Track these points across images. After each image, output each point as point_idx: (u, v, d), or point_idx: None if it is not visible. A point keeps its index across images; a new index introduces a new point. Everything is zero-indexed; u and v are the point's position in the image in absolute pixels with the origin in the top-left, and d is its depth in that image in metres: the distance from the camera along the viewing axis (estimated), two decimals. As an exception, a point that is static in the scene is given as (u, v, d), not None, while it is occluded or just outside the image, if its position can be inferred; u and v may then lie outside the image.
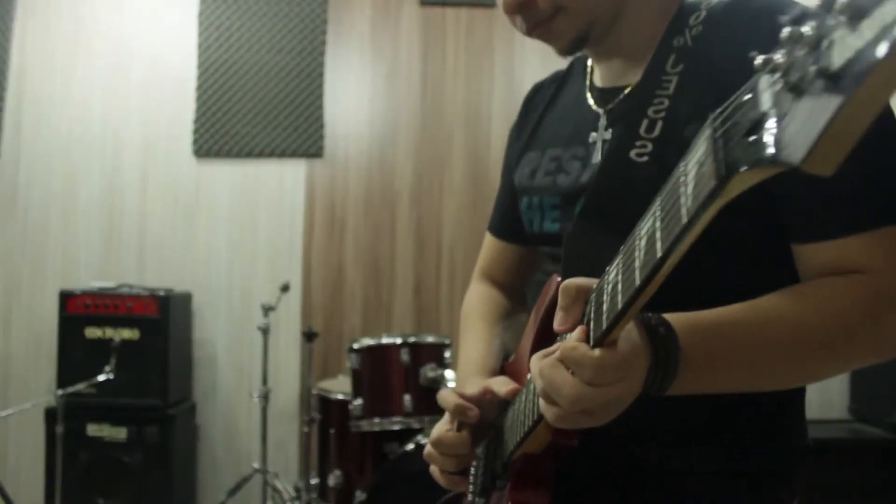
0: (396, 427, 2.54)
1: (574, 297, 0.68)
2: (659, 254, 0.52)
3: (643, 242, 0.55)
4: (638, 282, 0.55)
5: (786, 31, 0.39)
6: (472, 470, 1.04)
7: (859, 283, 0.74)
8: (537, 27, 0.89)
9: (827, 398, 3.32)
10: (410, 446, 2.28)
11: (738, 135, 0.43)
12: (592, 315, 0.65)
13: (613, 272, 0.61)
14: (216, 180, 3.59)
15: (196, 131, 3.58)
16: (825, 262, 0.76)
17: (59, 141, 3.57)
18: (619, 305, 0.58)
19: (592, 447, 0.81)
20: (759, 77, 0.43)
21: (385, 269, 3.61)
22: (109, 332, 3.12)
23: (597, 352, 0.63)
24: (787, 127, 0.39)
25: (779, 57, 0.40)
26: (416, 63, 3.67)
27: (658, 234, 0.52)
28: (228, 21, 3.59)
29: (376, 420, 2.55)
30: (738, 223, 0.75)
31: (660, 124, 0.83)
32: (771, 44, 0.79)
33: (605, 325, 0.61)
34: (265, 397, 3.08)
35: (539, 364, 0.69)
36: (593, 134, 0.93)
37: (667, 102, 0.83)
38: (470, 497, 1.02)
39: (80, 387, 2.77)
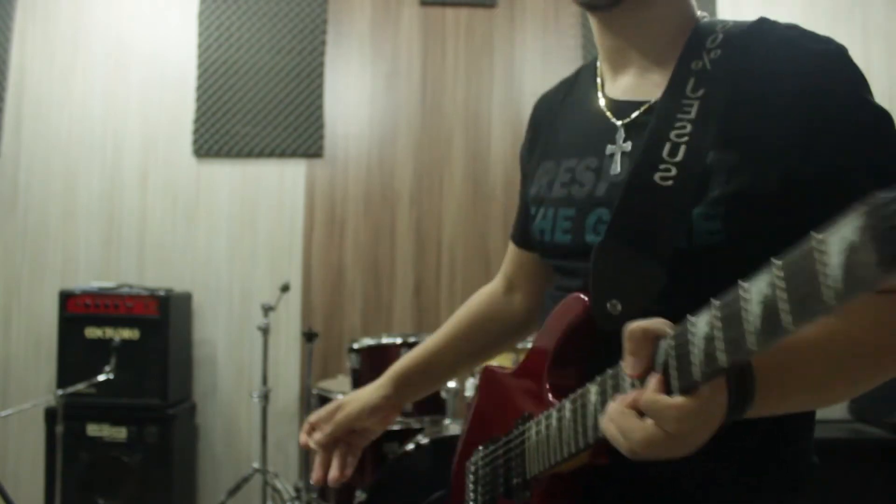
0: (396, 427, 2.54)
1: (642, 340, 0.68)
2: (787, 325, 0.52)
3: (758, 308, 0.55)
4: (754, 346, 0.56)
5: None
6: (471, 478, 1.04)
7: None
8: None
9: (827, 398, 3.32)
10: (410, 446, 2.28)
11: None
12: (675, 364, 0.64)
13: (705, 326, 0.61)
14: (216, 180, 3.59)
15: (196, 131, 3.58)
16: None
17: (59, 141, 3.57)
18: (723, 363, 0.59)
19: (615, 465, 0.81)
20: None
21: (385, 269, 3.61)
22: (109, 332, 3.12)
23: (679, 400, 0.64)
24: None
25: None
26: (416, 63, 3.67)
27: (783, 305, 0.52)
28: (228, 21, 3.59)
29: (376, 420, 2.55)
30: (768, 242, 0.76)
31: (683, 149, 0.83)
32: (794, 78, 0.80)
33: (698, 377, 0.61)
34: (265, 397, 3.08)
35: (609, 411, 0.70)
36: (610, 146, 0.93)
37: (689, 127, 0.84)
38: None
39: (79, 387, 2.77)
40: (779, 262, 0.54)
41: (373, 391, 1.19)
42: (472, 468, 1.04)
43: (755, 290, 0.56)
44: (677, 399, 0.64)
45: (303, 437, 1.17)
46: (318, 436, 1.15)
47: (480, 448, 1.03)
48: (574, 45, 3.63)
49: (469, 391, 2.56)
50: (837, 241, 0.48)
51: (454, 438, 1.04)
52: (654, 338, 0.68)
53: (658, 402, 0.65)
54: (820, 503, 0.89)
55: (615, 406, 0.69)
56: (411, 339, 2.61)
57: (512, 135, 3.55)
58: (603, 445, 0.74)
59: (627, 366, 0.69)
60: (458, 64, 3.67)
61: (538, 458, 0.85)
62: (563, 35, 3.64)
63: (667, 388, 0.65)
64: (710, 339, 0.60)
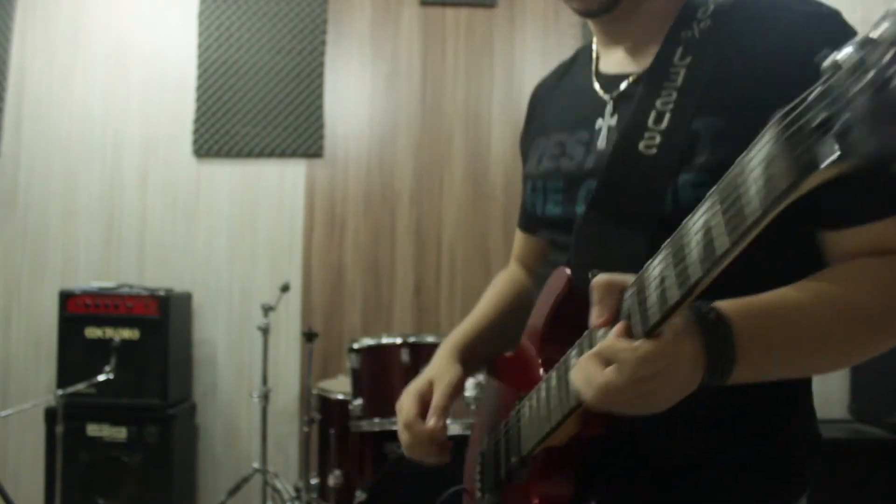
0: (396, 427, 2.54)
1: (607, 291, 0.69)
2: (724, 248, 0.53)
3: (699, 237, 0.56)
4: (698, 274, 0.56)
5: (857, 37, 0.40)
6: (478, 468, 1.04)
7: None
8: None
9: (827, 398, 3.32)
10: (410, 446, 2.28)
11: (811, 133, 0.43)
12: (636, 309, 0.65)
13: (659, 266, 0.62)
14: (216, 180, 3.59)
15: (196, 131, 3.58)
16: (860, 246, 0.76)
17: (59, 141, 3.57)
18: (674, 298, 0.59)
19: (611, 439, 0.81)
20: (831, 76, 0.43)
21: (385, 269, 3.61)
22: (109, 332, 3.11)
23: (637, 343, 0.64)
24: (867, 126, 0.40)
25: (849, 56, 0.41)
26: (416, 63, 3.67)
27: (720, 229, 0.53)
28: (228, 21, 3.59)
29: (376, 420, 2.55)
30: None
31: (668, 116, 0.83)
32: (784, 40, 0.79)
33: (656, 318, 0.62)
34: (265, 397, 3.08)
35: (577, 362, 0.70)
36: (599, 120, 0.93)
37: (675, 95, 0.84)
38: (478, 494, 1.02)
39: (80, 387, 2.77)
40: (715, 188, 0.55)
41: (447, 369, 1.07)
42: (480, 458, 1.04)
43: (697, 221, 0.57)
44: (636, 342, 0.64)
45: (431, 423, 1.02)
46: (435, 401, 1.02)
47: (486, 437, 1.03)
48: (574, 45, 3.62)
49: (469, 391, 2.55)
50: (758, 155, 0.49)
51: (454, 439, 1.03)
52: (619, 289, 0.68)
53: (616, 345, 0.65)
54: (820, 503, 0.89)
55: (582, 357, 0.69)
56: (411, 339, 2.60)
57: (512, 135, 3.54)
58: (589, 412, 0.74)
59: (592, 316, 0.69)
60: (458, 64, 3.67)
61: (531, 434, 0.86)
62: (563, 35, 3.64)
63: (630, 335, 0.65)
64: (663, 278, 0.61)
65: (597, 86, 0.96)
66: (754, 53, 0.79)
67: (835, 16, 0.80)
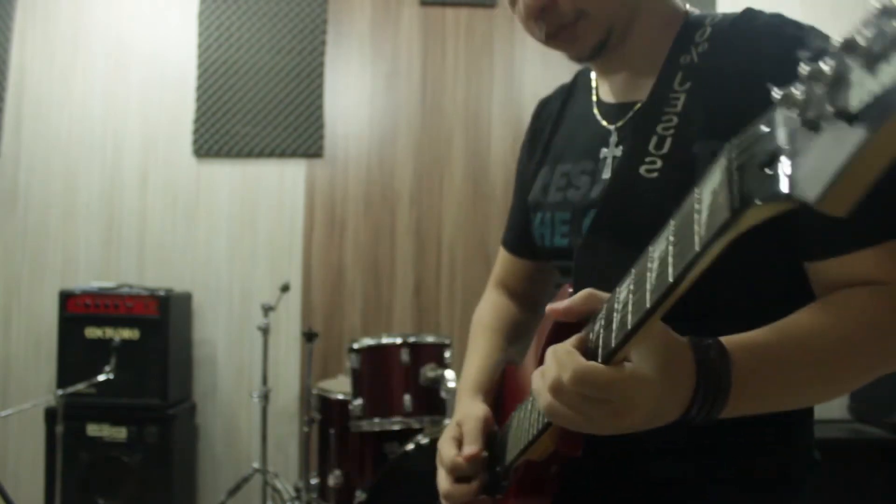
0: (396, 427, 2.54)
1: (585, 297, 0.70)
2: (670, 279, 0.52)
3: (655, 265, 0.55)
4: (648, 304, 0.55)
5: (805, 67, 0.39)
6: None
7: (884, 291, 0.74)
8: (560, 33, 0.90)
9: (827, 398, 3.32)
10: (410, 446, 2.28)
11: (753, 167, 0.43)
12: (602, 331, 0.64)
13: (625, 291, 0.61)
14: (216, 180, 3.59)
15: (196, 131, 3.58)
16: (842, 277, 0.76)
17: (59, 141, 3.57)
18: (629, 325, 0.58)
19: (597, 458, 0.80)
20: (777, 110, 0.42)
21: (385, 269, 3.61)
22: (109, 332, 3.12)
23: (589, 365, 0.63)
24: (802, 164, 0.39)
25: (797, 91, 0.40)
26: (416, 63, 3.67)
27: (670, 260, 0.52)
28: (228, 21, 3.59)
29: (376, 420, 2.55)
30: (748, 244, 0.76)
31: (669, 141, 0.83)
32: (775, 63, 0.80)
33: (613, 344, 0.61)
34: (265, 397, 3.08)
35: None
36: (604, 150, 0.93)
37: (675, 120, 0.84)
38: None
39: (79, 387, 2.77)
40: (673, 217, 0.54)
41: (470, 407, 1.02)
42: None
43: (657, 248, 0.56)
44: (592, 364, 0.63)
45: (466, 450, 0.94)
46: (468, 450, 0.95)
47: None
48: (574, 45, 3.63)
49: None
50: (709, 185, 0.48)
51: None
52: (597, 299, 0.69)
53: (567, 354, 0.64)
54: (820, 503, 0.89)
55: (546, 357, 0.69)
56: (411, 339, 2.61)
57: (512, 135, 3.55)
58: (567, 431, 0.74)
59: (554, 305, 0.70)
60: (458, 64, 3.67)
61: (515, 444, 0.85)
62: (563, 35, 3.64)
63: (586, 347, 0.65)
64: (625, 303, 0.60)
65: (598, 115, 0.97)
66: (750, 78, 0.79)
67: (825, 38, 0.80)
